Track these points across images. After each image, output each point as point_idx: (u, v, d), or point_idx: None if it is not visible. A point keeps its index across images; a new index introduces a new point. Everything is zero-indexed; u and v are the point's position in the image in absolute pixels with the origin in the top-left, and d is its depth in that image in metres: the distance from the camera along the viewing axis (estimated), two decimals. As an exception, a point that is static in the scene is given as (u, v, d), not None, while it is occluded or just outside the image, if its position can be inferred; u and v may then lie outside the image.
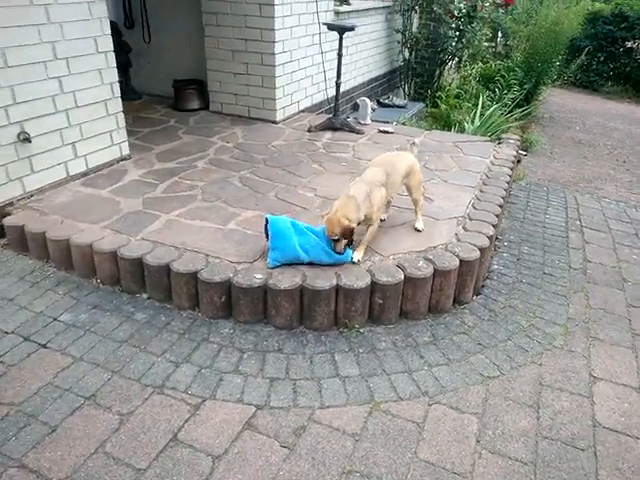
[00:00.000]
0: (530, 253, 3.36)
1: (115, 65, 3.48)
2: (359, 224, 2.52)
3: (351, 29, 4.38)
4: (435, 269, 2.54)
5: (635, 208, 4.43)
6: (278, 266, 2.49)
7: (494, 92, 5.93)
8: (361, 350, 2.36)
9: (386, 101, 6.85)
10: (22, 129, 2.96)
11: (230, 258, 2.56)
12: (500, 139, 4.64)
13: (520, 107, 6.20)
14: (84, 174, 3.44)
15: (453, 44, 7.02)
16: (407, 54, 7.30)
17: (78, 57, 3.20)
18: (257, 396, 2.08)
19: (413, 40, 7.11)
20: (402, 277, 2.46)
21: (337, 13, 5.44)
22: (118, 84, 3.54)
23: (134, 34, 5.43)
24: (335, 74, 5.46)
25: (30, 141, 2.99)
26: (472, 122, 5.07)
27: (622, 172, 5.72)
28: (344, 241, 2.45)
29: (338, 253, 2.48)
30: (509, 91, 5.95)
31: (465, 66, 7.34)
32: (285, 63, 4.72)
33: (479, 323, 2.61)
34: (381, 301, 2.46)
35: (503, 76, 6.49)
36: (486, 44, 7.45)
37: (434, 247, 2.74)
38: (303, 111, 5.28)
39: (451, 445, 1.93)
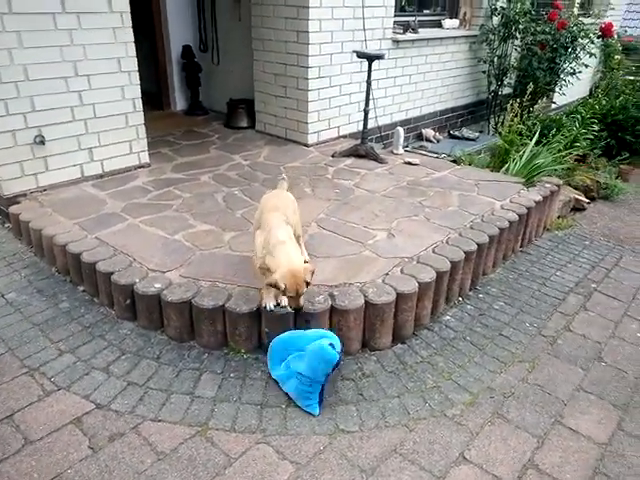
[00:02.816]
0: (500, 310, 2.99)
1: (138, 83, 3.89)
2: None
3: (378, 57, 4.32)
4: (333, 306, 2.42)
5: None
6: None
7: (563, 132, 5.31)
8: (232, 375, 2.34)
9: (456, 133, 6.56)
10: (39, 133, 3.48)
11: (149, 265, 2.72)
12: (533, 182, 4.16)
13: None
14: (100, 176, 3.90)
15: (541, 77, 6.44)
16: (494, 86, 6.90)
17: (99, 75, 3.66)
18: (105, 396, 2.19)
19: (499, 71, 6.70)
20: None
21: (396, 42, 5.38)
22: (140, 99, 3.95)
23: (206, 57, 5.97)
24: (389, 102, 5.46)
25: (44, 144, 3.50)
26: (519, 161, 4.60)
27: None
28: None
29: (297, 309, 2.24)
30: (579, 135, 5.29)
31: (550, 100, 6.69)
32: (321, 88, 4.81)
33: (377, 373, 2.41)
34: (267, 330, 2.41)
35: (581, 114, 5.79)
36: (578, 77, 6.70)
37: (350, 283, 2.60)
38: (345, 136, 5.30)
39: (247, 489, 1.83)
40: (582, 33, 6.43)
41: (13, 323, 2.61)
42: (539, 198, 3.81)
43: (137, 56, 3.82)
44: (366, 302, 2.46)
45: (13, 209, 3.40)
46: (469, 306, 3.01)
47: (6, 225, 3.55)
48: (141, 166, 4.14)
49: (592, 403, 2.30)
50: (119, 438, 1.99)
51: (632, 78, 8.82)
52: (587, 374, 2.50)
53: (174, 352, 2.46)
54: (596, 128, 5.76)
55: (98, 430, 2.02)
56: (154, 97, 6.09)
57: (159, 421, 2.08)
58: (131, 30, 3.74)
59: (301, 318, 2.37)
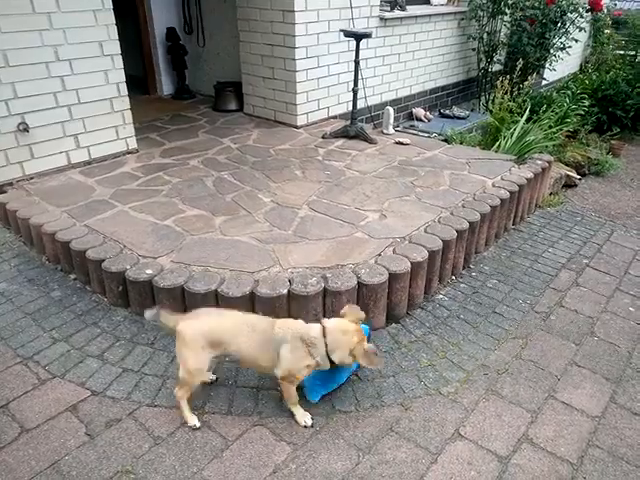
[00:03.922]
0: (493, 288, 3.00)
1: (122, 67, 3.81)
2: None
3: (366, 36, 4.25)
4: (326, 288, 2.41)
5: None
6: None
7: (553, 108, 5.28)
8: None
9: (447, 112, 6.51)
10: (22, 120, 3.41)
11: (140, 251, 2.70)
12: (524, 159, 4.15)
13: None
14: (87, 163, 3.84)
15: (531, 52, 6.38)
16: (484, 63, 6.84)
17: (81, 59, 3.58)
18: (100, 383, 2.18)
19: (489, 48, 6.64)
20: (284, 292, 2.38)
21: (383, 19, 5.29)
22: (125, 84, 3.87)
23: (192, 39, 5.86)
24: (379, 82, 5.40)
25: (28, 131, 3.43)
26: (510, 138, 4.59)
27: None
28: None
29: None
30: (569, 111, 5.26)
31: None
32: (309, 69, 4.74)
33: (372, 353, 2.41)
34: (261, 313, 2.40)
35: (571, 89, 5.76)
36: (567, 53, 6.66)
37: (343, 265, 2.59)
38: (335, 117, 5.25)
39: (245, 471, 1.84)
40: (571, 7, 6.36)
41: (5, 313, 2.58)
42: (530, 175, 3.81)
43: (120, 40, 3.74)
44: (359, 283, 2.45)
45: (-1, 198, 3.35)
46: (462, 284, 3.03)
47: (-7, 215, 3.49)
48: (129, 152, 4.08)
49: (585, 377, 2.33)
50: (116, 424, 1.99)
51: (622, 52, 8.79)
52: (580, 349, 2.53)
53: (168, 338, 2.44)
54: (586, 103, 5.74)
55: (94, 417, 2.02)
56: (140, 81, 5.98)
57: (155, 406, 2.08)
58: (112, 12, 3.65)
59: None
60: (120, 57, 3.79)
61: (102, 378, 2.20)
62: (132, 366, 2.27)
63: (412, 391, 2.22)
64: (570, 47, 6.64)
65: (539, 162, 4.09)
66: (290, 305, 2.42)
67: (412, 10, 5.69)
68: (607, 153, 5.76)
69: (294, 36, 4.49)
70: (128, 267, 2.56)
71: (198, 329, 1.88)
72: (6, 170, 3.45)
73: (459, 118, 6.36)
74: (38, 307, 2.63)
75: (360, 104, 5.48)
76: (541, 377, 2.32)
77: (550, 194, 4.44)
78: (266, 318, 2.00)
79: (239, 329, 1.91)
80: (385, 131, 4.81)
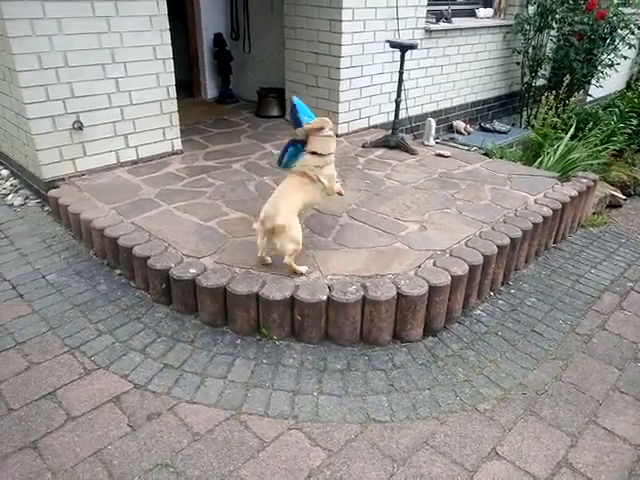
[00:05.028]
0: (532, 306, 2.95)
1: (172, 70, 3.93)
2: None
3: (412, 47, 4.26)
4: (365, 297, 2.43)
5: None
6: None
7: (600, 126, 5.17)
8: (265, 361, 2.37)
9: (487, 126, 6.44)
10: (77, 118, 3.55)
11: (185, 251, 2.77)
12: (568, 177, 4.08)
13: None
14: (134, 162, 3.97)
15: (578, 68, 6.27)
16: (527, 77, 6.75)
17: (135, 62, 3.71)
18: (143, 376, 2.25)
19: (534, 62, 6.55)
20: (324, 298, 2.40)
21: (428, 31, 5.30)
22: (174, 87, 3.99)
23: (238, 45, 5.99)
24: (420, 93, 5.40)
25: (82, 129, 3.57)
26: (553, 155, 4.52)
27: None
28: None
29: None
30: (616, 129, 5.14)
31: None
32: (353, 78, 4.78)
33: (408, 365, 2.42)
34: (299, 318, 2.44)
35: (619, 107, 5.62)
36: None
37: (382, 275, 2.60)
38: (375, 127, 5.27)
39: (280, 473, 1.86)
40: (622, 24, 6.22)
41: (54, 303, 2.69)
42: (574, 193, 3.74)
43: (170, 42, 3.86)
44: (398, 294, 2.46)
45: (52, 193, 3.48)
46: (501, 301, 2.99)
47: (45, 208, 3.64)
48: (174, 153, 4.20)
49: (628, 404, 2.27)
50: (156, 418, 2.05)
51: (673, 70, 8.52)
52: (622, 374, 2.47)
53: (208, 337, 2.50)
54: (635, 122, 5.59)
55: (136, 409, 2.08)
56: (185, 85, 6.14)
57: (194, 403, 2.13)
58: (166, 18, 3.77)
59: None
60: (171, 61, 3.91)
61: (144, 372, 2.27)
62: (173, 362, 2.33)
63: (448, 405, 2.20)
64: (619, 64, 6.49)
65: (584, 180, 4.00)
66: (328, 312, 2.44)
67: (458, 22, 5.68)
68: (654, 174, 5.59)
69: (340, 45, 4.54)
70: (172, 265, 2.63)
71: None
72: (59, 166, 3.59)
73: (500, 132, 6.28)
74: (85, 299, 2.73)
75: (401, 114, 5.49)
76: (582, 401, 2.28)
77: (594, 213, 4.33)
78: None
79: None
80: (426, 142, 4.80)
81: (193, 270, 2.58)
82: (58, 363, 2.30)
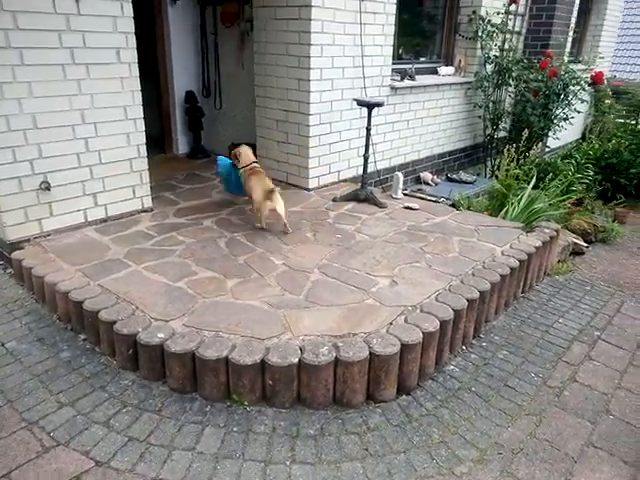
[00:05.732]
0: (504, 359, 2.97)
1: (143, 129, 3.97)
2: None
3: (378, 105, 4.44)
4: (337, 358, 2.40)
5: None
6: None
7: (559, 176, 5.40)
8: (235, 429, 2.29)
9: (454, 176, 6.66)
10: (45, 179, 3.52)
11: (153, 314, 2.71)
12: (532, 227, 4.21)
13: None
14: (103, 220, 3.93)
15: (535, 122, 6.60)
16: (489, 130, 7.07)
17: (106, 122, 3.73)
18: (105, 452, 2.14)
19: (494, 116, 6.87)
20: (295, 361, 2.37)
21: (394, 88, 5.53)
22: (145, 146, 4.02)
23: (209, 102, 6.12)
24: (388, 147, 5.58)
25: (50, 190, 3.53)
26: (517, 205, 4.67)
27: None
28: None
29: None
30: (574, 180, 5.39)
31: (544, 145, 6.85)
32: (322, 135, 4.91)
33: (383, 427, 2.37)
34: (271, 382, 2.38)
35: (576, 158, 5.91)
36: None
37: (355, 334, 2.58)
38: (345, 180, 5.37)
39: None
40: (573, 81, 6.64)
41: (13, 373, 2.57)
42: (539, 243, 3.85)
43: (142, 101, 3.91)
44: (371, 353, 2.44)
45: (16, 255, 3.40)
46: (473, 355, 3.00)
47: (8, 271, 3.54)
48: (144, 210, 4.18)
49: (602, 460, 2.26)
50: (119, 499, 1.94)
51: (622, 121, 9.06)
52: (595, 428, 2.47)
53: (176, 404, 2.42)
54: (591, 173, 5.87)
55: (97, 490, 1.97)
56: (157, 140, 6.19)
57: (161, 479, 2.03)
58: (138, 79, 3.84)
59: None
60: (142, 120, 3.95)
61: (107, 447, 2.16)
62: (138, 435, 2.23)
63: (424, 470, 2.15)
64: (573, 117, 6.86)
65: (547, 230, 4.14)
66: (300, 375, 2.40)
67: (421, 80, 5.95)
68: (612, 221, 5.83)
69: (309, 103, 4.68)
70: (140, 330, 2.56)
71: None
72: (25, 227, 3.52)
73: (466, 182, 6.49)
74: (46, 368, 2.61)
75: (370, 168, 5.63)
76: (557, 458, 2.26)
77: (558, 262, 4.46)
78: None
79: None
80: (394, 195, 4.92)
81: (161, 335, 2.52)
82: (14, 441, 2.17)
